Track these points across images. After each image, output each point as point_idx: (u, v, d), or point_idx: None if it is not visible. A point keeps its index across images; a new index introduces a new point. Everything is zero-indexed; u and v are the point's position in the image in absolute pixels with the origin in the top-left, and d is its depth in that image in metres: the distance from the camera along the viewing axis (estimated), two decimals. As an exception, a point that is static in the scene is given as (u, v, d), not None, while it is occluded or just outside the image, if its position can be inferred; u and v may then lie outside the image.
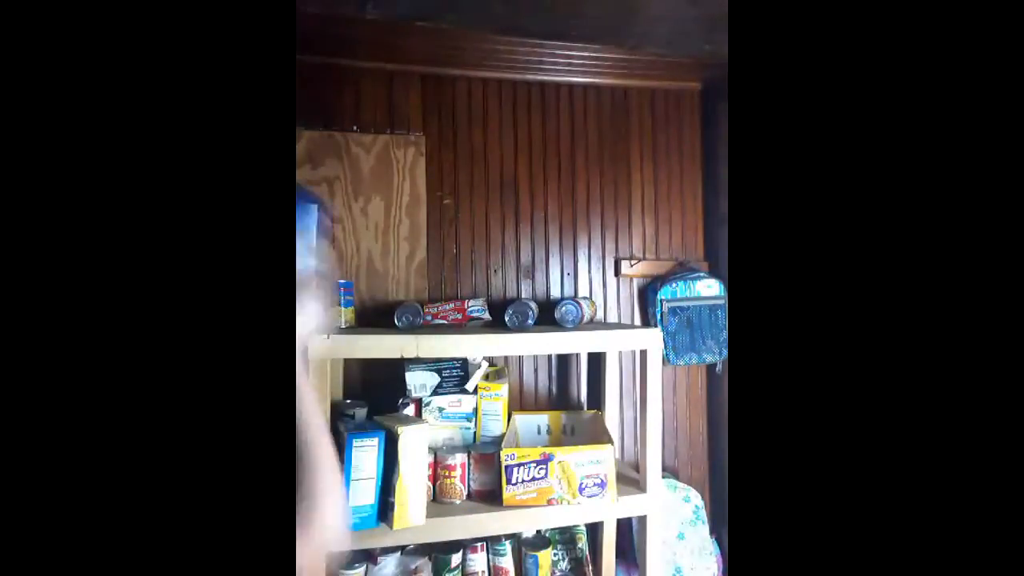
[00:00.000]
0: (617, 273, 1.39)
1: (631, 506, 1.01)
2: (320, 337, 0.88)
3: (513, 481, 0.95)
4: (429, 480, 0.98)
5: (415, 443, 0.91)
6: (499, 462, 0.96)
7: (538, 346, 0.99)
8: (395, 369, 1.12)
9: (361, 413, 1.08)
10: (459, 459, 1.00)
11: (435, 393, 1.11)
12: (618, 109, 1.41)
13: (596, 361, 1.33)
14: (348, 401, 1.11)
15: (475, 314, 1.17)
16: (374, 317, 1.23)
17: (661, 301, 1.33)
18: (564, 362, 1.35)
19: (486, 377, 1.15)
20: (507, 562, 1.10)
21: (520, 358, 1.32)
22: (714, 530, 1.37)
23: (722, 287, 1.35)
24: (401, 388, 1.11)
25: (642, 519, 1.04)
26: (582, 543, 1.22)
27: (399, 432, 0.89)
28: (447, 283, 1.29)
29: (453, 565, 1.06)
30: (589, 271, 1.38)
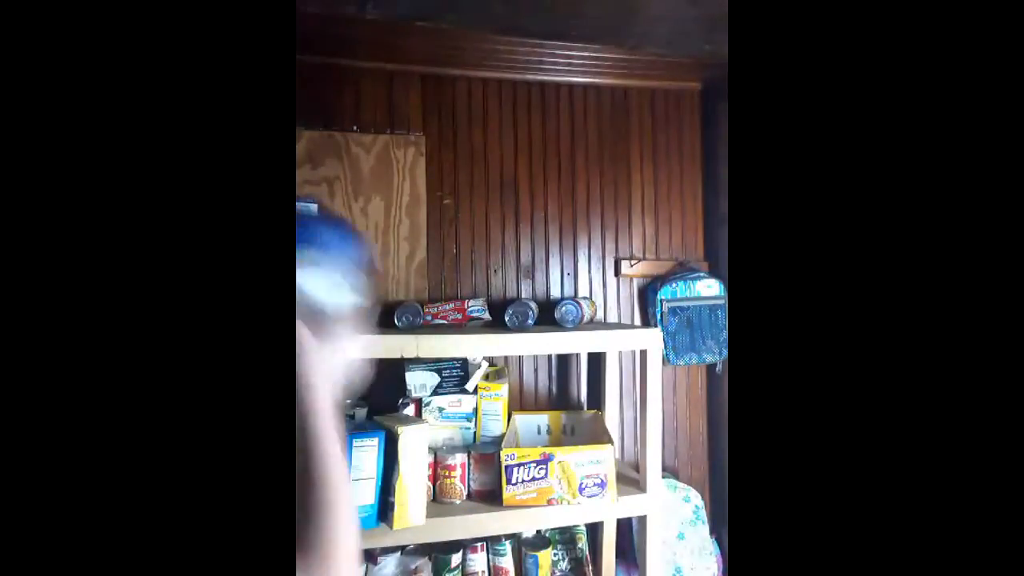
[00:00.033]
0: (617, 273, 1.39)
1: (631, 506, 1.01)
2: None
3: (513, 481, 0.95)
4: (429, 480, 0.98)
5: (415, 443, 0.91)
6: (499, 462, 0.96)
7: (538, 346, 0.99)
8: (395, 369, 1.12)
9: (361, 413, 1.08)
10: (459, 459, 1.00)
11: (435, 393, 1.11)
12: (618, 109, 1.41)
13: (596, 361, 1.33)
14: (348, 401, 1.11)
15: (475, 314, 1.17)
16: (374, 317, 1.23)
17: (661, 301, 1.33)
18: (564, 362, 1.35)
19: (486, 377, 1.15)
20: (507, 562, 1.10)
21: (520, 358, 1.32)
22: (714, 530, 1.37)
23: (722, 287, 1.35)
24: (401, 388, 1.11)
25: (642, 519, 1.04)
26: (582, 543, 1.22)
27: (399, 432, 0.89)
28: (447, 283, 1.29)
29: (453, 565, 1.06)
30: (589, 271, 1.38)
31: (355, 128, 1.25)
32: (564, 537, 1.22)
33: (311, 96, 1.21)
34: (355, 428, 0.95)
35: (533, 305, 1.11)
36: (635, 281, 1.41)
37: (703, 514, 1.32)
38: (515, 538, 1.14)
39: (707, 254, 1.45)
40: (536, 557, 1.09)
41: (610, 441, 1.01)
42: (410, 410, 1.10)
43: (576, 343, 1.04)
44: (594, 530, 1.26)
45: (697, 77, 1.43)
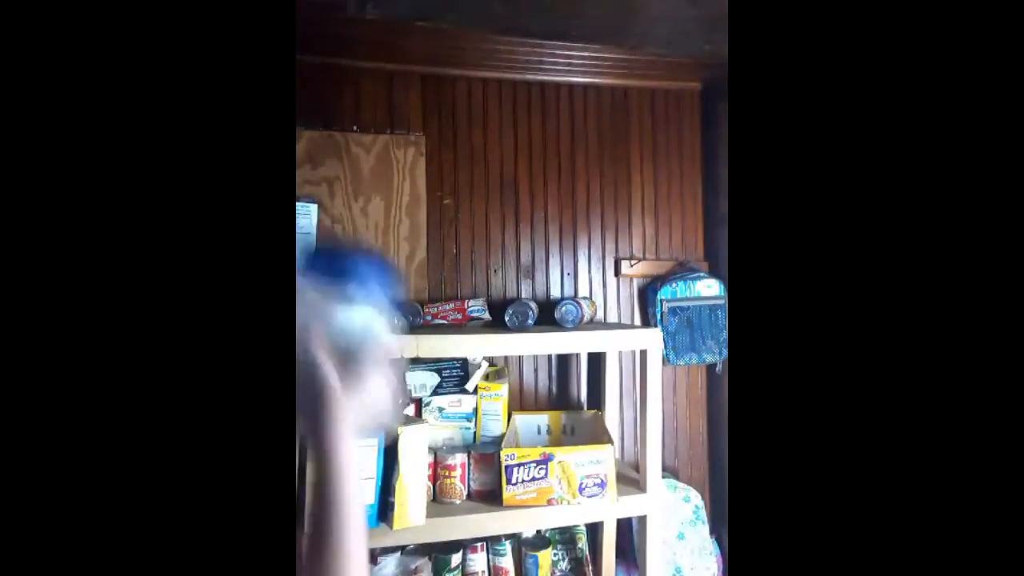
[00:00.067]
0: (617, 273, 1.39)
1: (631, 506, 1.01)
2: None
3: (513, 481, 0.95)
4: (429, 480, 0.98)
5: (415, 443, 0.91)
6: (499, 462, 0.96)
7: (538, 346, 0.99)
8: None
9: (361, 413, 1.08)
10: (459, 459, 1.00)
11: (435, 393, 1.11)
12: (618, 109, 1.41)
13: (596, 361, 1.33)
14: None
15: (475, 314, 1.17)
16: (374, 317, 1.23)
17: (661, 301, 1.33)
18: (564, 362, 1.35)
19: (486, 377, 1.15)
20: (507, 562, 1.10)
21: (520, 358, 1.32)
22: (714, 530, 1.37)
23: (722, 287, 1.35)
24: (401, 388, 1.11)
25: (642, 519, 1.04)
26: (582, 543, 1.22)
27: (399, 432, 0.89)
28: (447, 283, 1.29)
29: (453, 565, 1.06)
30: (589, 271, 1.38)
31: (355, 128, 1.25)
32: (564, 537, 1.22)
33: (311, 96, 1.21)
34: (355, 428, 0.95)
35: (533, 305, 1.11)
36: (635, 281, 1.41)
37: (703, 514, 1.32)
38: (515, 538, 1.14)
39: (707, 254, 1.45)
40: (536, 557, 1.09)
41: (610, 441, 1.01)
42: (410, 410, 1.10)
43: (576, 343, 1.04)
44: (594, 530, 1.26)
45: (697, 77, 1.43)
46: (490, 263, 1.32)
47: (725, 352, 1.34)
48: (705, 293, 1.34)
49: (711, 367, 1.42)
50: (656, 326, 1.33)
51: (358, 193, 1.24)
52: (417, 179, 1.27)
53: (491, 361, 1.23)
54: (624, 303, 1.40)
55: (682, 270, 1.39)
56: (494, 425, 1.12)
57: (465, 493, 1.00)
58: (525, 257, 1.34)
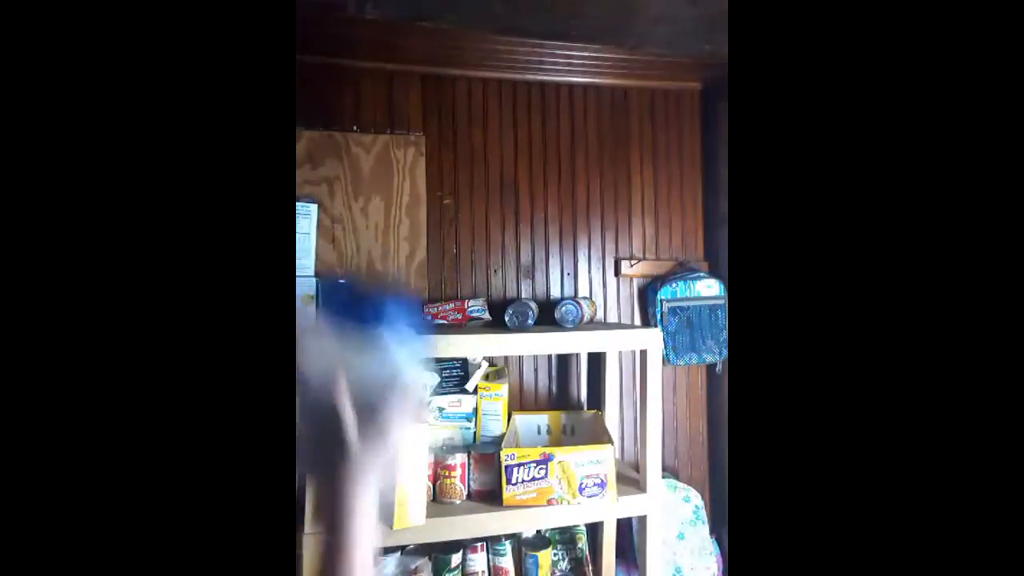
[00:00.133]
0: (617, 273, 1.39)
1: (631, 506, 1.01)
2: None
3: (513, 481, 0.95)
4: (429, 480, 0.98)
5: (415, 443, 0.91)
6: (499, 462, 0.96)
7: (538, 346, 0.99)
8: (395, 369, 1.12)
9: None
10: (459, 459, 1.00)
11: (435, 393, 1.11)
12: (618, 109, 1.41)
13: (596, 361, 1.33)
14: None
15: (475, 314, 1.17)
16: (374, 317, 1.23)
17: (661, 301, 1.33)
18: (564, 362, 1.35)
19: (486, 377, 1.15)
20: (507, 562, 1.10)
21: (520, 358, 1.32)
22: (714, 530, 1.37)
23: (722, 287, 1.35)
24: (401, 388, 1.11)
25: (642, 519, 1.04)
26: (582, 543, 1.22)
27: (399, 432, 0.89)
28: (447, 283, 1.29)
29: (453, 565, 1.06)
30: (589, 271, 1.38)
31: (355, 128, 1.25)
32: (564, 537, 1.22)
33: (311, 96, 1.21)
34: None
35: (533, 305, 1.11)
36: (635, 281, 1.41)
37: (703, 514, 1.32)
38: (515, 538, 1.14)
39: (707, 254, 1.45)
40: (536, 557, 1.09)
41: (610, 441, 1.01)
42: (410, 410, 1.10)
43: (576, 343, 1.04)
44: (594, 530, 1.26)
45: (697, 77, 1.43)
46: (490, 263, 1.32)
47: (725, 352, 1.34)
48: (705, 293, 1.34)
49: (711, 367, 1.42)
50: (656, 326, 1.33)
51: (358, 193, 1.24)
52: (417, 179, 1.27)
53: (491, 361, 1.23)
54: (624, 303, 1.40)
55: (682, 270, 1.39)
56: (494, 425, 1.12)
57: (465, 493, 1.00)
58: (525, 257, 1.34)
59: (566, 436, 1.22)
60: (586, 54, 1.32)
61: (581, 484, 0.96)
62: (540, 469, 0.95)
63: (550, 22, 1.16)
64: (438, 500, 0.99)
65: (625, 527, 1.29)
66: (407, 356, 0.42)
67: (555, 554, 1.17)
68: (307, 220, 1.16)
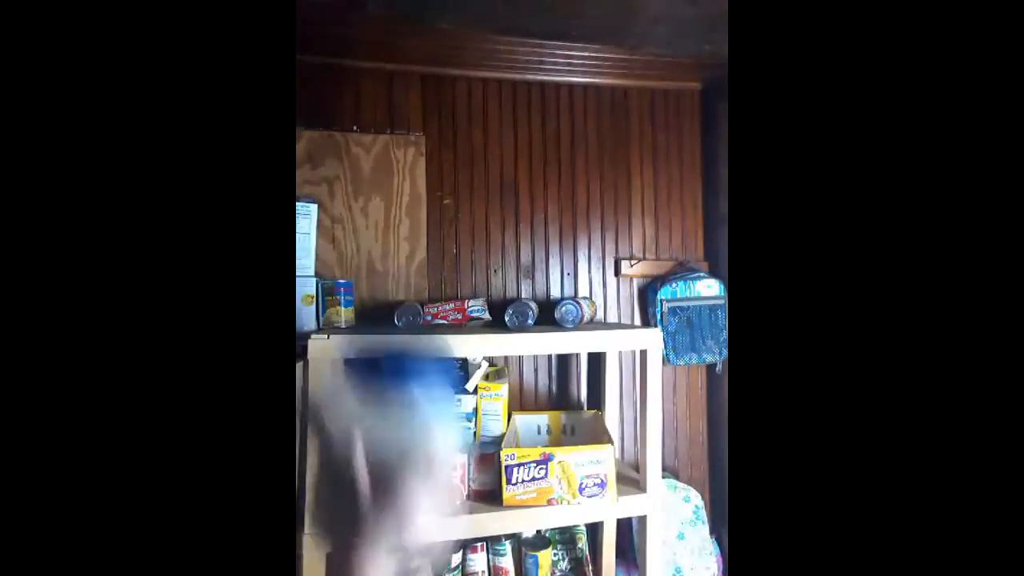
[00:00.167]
0: (617, 273, 1.39)
1: (631, 506, 1.01)
2: (320, 337, 0.88)
3: (513, 481, 0.95)
4: (429, 480, 0.98)
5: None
6: (499, 462, 0.96)
7: (538, 346, 0.99)
8: (395, 369, 1.12)
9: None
10: (459, 459, 1.00)
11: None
12: (618, 109, 1.41)
13: (596, 361, 1.33)
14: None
15: (475, 314, 1.17)
16: (374, 317, 1.23)
17: (661, 301, 1.33)
18: (564, 362, 1.35)
19: (486, 377, 1.14)
20: (507, 562, 1.10)
21: (520, 358, 1.32)
22: (714, 530, 1.37)
23: (722, 287, 1.35)
24: (401, 388, 1.11)
25: (642, 519, 1.04)
26: (582, 543, 1.22)
27: (399, 432, 0.89)
28: (447, 283, 1.29)
29: (453, 565, 1.06)
30: (589, 271, 1.38)
31: (355, 128, 1.25)
32: (564, 537, 1.22)
33: (311, 96, 1.21)
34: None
35: (533, 305, 1.11)
36: (635, 281, 1.41)
37: (703, 514, 1.32)
38: (515, 538, 1.14)
39: (707, 254, 1.45)
40: (536, 557, 1.09)
41: (610, 441, 1.01)
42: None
43: (576, 343, 1.04)
44: (594, 530, 1.26)
45: (697, 77, 1.43)
46: (490, 263, 1.32)
47: (725, 352, 1.34)
48: (705, 293, 1.34)
49: (711, 367, 1.42)
50: (656, 326, 1.33)
51: (358, 193, 1.24)
52: (417, 179, 1.27)
53: (491, 361, 1.23)
54: (624, 303, 1.40)
55: (682, 270, 1.39)
56: (494, 425, 1.12)
57: (465, 493, 1.00)
58: (525, 257, 1.34)
59: (566, 436, 1.22)
60: (586, 54, 1.32)
61: (581, 484, 0.96)
62: (540, 469, 0.95)
63: (550, 22, 1.16)
64: (438, 500, 0.99)
65: (625, 527, 1.29)
66: (435, 421, 0.40)
67: (555, 554, 1.17)
68: (307, 220, 1.16)
